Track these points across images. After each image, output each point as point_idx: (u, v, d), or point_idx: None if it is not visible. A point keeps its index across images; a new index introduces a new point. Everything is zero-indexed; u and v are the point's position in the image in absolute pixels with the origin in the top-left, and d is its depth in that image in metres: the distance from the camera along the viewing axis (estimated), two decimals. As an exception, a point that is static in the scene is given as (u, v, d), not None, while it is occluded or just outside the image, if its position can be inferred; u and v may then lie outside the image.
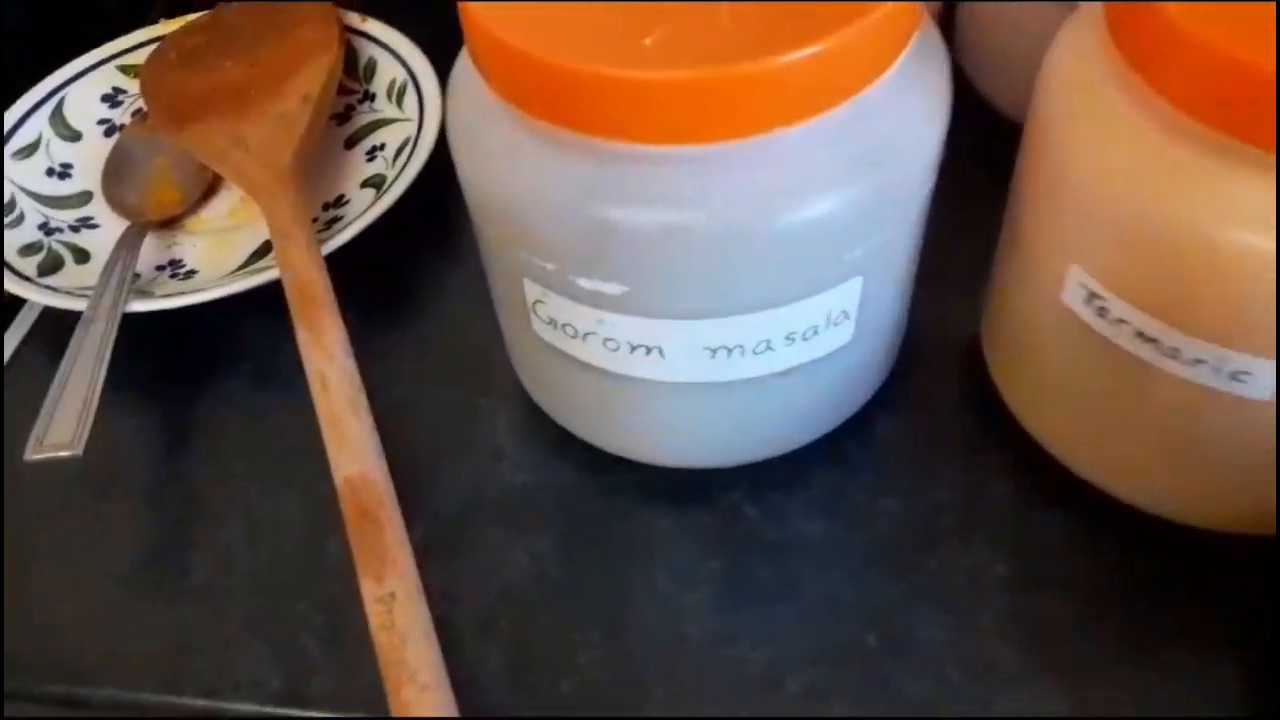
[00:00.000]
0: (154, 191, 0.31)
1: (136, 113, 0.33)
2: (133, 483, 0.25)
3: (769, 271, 0.19)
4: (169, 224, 0.30)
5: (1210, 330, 0.18)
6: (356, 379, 0.23)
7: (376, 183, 0.30)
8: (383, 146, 0.31)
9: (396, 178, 0.29)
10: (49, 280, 0.28)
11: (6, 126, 0.31)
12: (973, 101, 0.31)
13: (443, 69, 0.27)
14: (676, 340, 0.20)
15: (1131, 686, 0.21)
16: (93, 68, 0.34)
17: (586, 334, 0.20)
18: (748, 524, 0.23)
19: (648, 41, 0.17)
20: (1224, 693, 0.20)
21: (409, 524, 0.24)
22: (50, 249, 0.29)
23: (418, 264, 0.29)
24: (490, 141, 0.19)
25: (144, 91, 0.32)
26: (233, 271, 0.28)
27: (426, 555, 0.23)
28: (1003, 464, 0.24)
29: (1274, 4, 0.16)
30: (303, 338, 0.23)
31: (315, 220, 0.29)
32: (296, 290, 0.25)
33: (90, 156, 0.32)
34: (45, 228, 0.30)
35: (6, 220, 0.29)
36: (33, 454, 0.22)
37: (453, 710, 0.18)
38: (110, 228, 0.30)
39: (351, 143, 0.32)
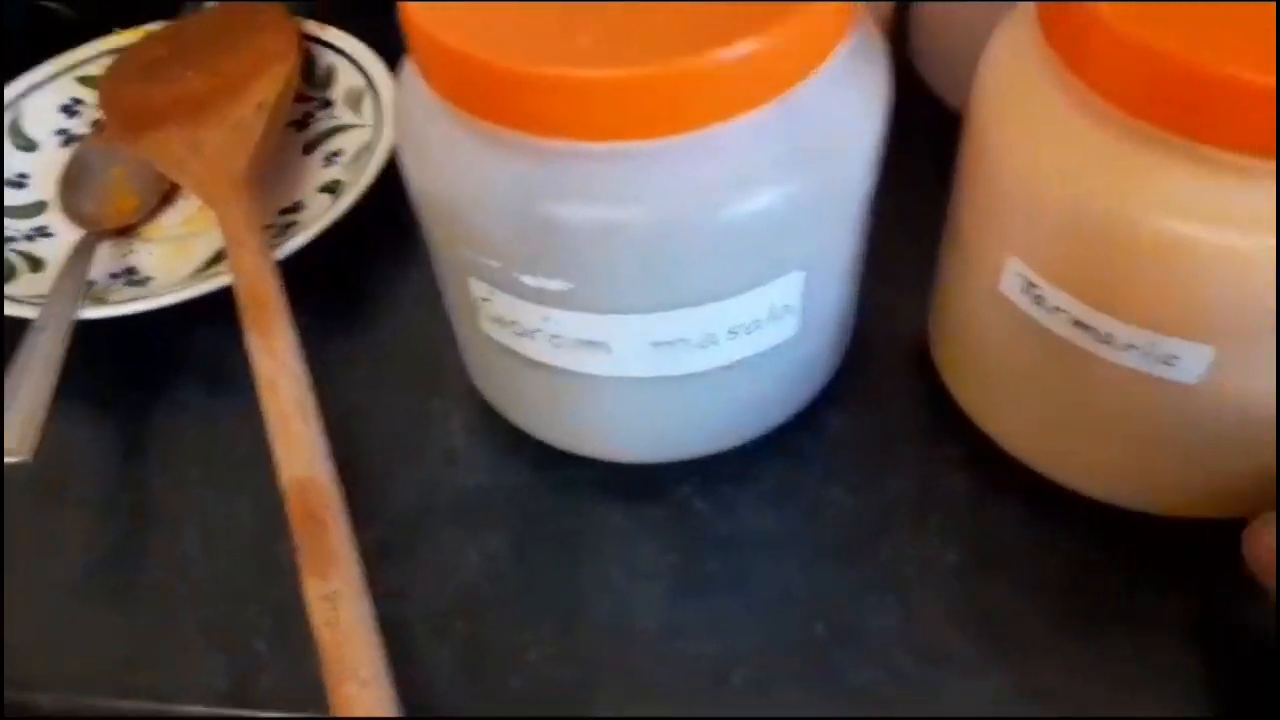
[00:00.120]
0: (111, 200, 0.31)
1: (95, 123, 0.33)
2: (86, 489, 0.25)
3: (710, 266, 0.19)
4: (125, 232, 0.30)
5: (1141, 316, 0.18)
6: (305, 382, 0.23)
7: (333, 188, 0.30)
8: (340, 153, 0.31)
9: (352, 183, 0.29)
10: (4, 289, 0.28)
11: (-38, 137, 0.31)
12: (925, 99, 0.31)
13: (399, 74, 0.27)
14: (622, 335, 0.20)
15: (1080, 670, 0.21)
16: (51, 79, 0.34)
17: (533, 331, 0.20)
18: (699, 518, 0.24)
19: (584, 40, 0.17)
20: (1173, 675, 0.21)
21: (363, 526, 0.24)
22: (4, 258, 0.29)
23: (373, 268, 0.29)
24: (433, 141, 0.19)
25: (102, 102, 0.32)
26: (186, 278, 0.28)
27: (380, 556, 0.23)
28: (953, 456, 0.24)
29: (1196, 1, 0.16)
30: (252, 342, 0.23)
31: (271, 226, 0.29)
32: (248, 295, 0.25)
33: (47, 166, 0.32)
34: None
35: (-40, 230, 0.29)
36: (-18, 460, 0.22)
37: (393, 707, 0.18)
38: (66, 236, 0.30)
39: (309, 149, 0.32)
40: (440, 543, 0.24)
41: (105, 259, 0.29)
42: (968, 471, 0.24)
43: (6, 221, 0.30)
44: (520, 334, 0.21)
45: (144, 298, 0.26)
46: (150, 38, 0.34)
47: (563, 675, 0.21)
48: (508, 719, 0.21)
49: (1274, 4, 0.16)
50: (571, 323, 0.20)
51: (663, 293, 0.19)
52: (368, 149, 0.30)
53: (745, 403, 0.23)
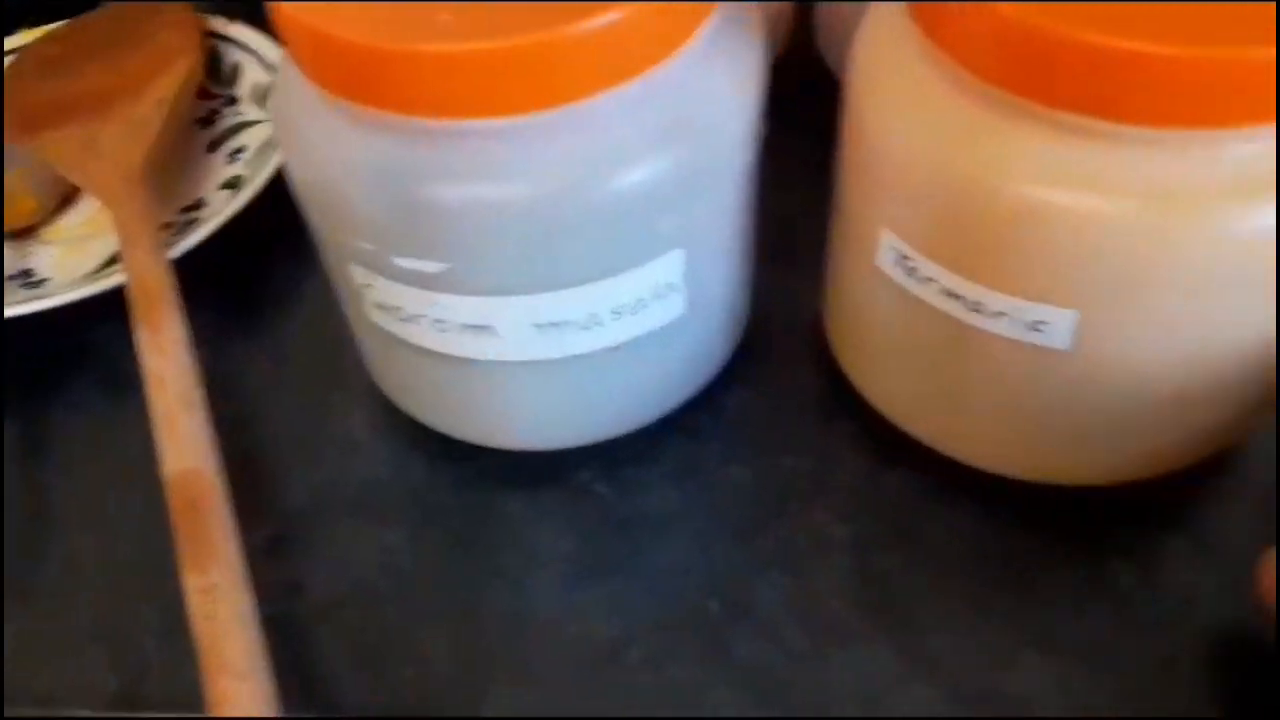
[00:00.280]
0: (9, 202, 0.30)
1: (-7, 125, 0.32)
2: (-22, 492, 0.25)
3: (586, 244, 0.19)
4: (24, 234, 0.30)
5: (1006, 283, 0.18)
6: (193, 377, 0.23)
7: (235, 184, 0.29)
8: (244, 149, 0.31)
9: (253, 179, 0.29)
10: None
11: None
12: (829, 85, 0.31)
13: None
14: (504, 318, 0.20)
15: (968, 640, 0.21)
16: (-52, 81, 0.33)
17: (416, 316, 0.20)
18: (599, 501, 0.24)
19: (445, 16, 0.17)
20: (1059, 645, 0.21)
21: (260, 521, 0.24)
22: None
23: (276, 265, 0.29)
24: (305, 126, 0.19)
25: (-1, 102, 0.31)
26: (82, 278, 0.28)
27: (276, 551, 0.23)
28: (847, 432, 0.24)
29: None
30: (141, 337, 0.23)
31: (172, 224, 0.29)
32: (139, 291, 0.24)
33: (-58, 170, 0.31)
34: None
35: None
36: None
37: (271, 701, 0.18)
38: (-39, 239, 0.29)
39: (214, 146, 0.32)
40: (337, 537, 0.23)
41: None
42: (861, 448, 0.24)
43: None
44: (404, 320, 0.21)
45: (36, 299, 0.26)
46: (49, 36, 0.33)
47: (455, 665, 0.21)
48: (385, 718, 0.21)
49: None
50: (453, 306, 0.20)
51: (542, 273, 0.19)
52: (270, 145, 0.30)
53: (641, 385, 0.23)
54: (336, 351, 0.26)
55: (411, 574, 0.23)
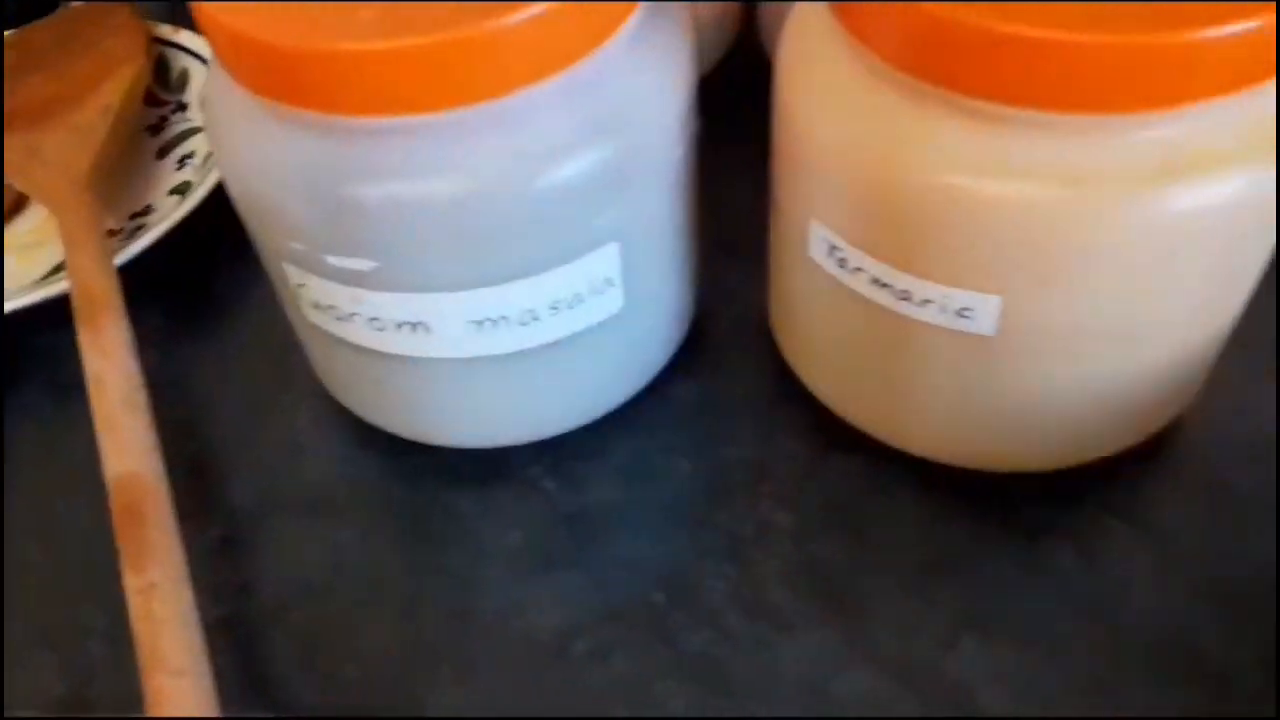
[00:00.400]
0: (-44, 211, 0.30)
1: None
2: (-76, 502, 0.25)
3: (515, 240, 0.19)
4: (-29, 242, 0.30)
5: (931, 270, 0.19)
6: (136, 379, 0.23)
7: (182, 190, 0.29)
8: (192, 155, 0.31)
9: (200, 184, 0.29)
10: None
11: None
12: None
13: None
14: (439, 315, 0.20)
15: (910, 622, 0.21)
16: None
17: (351, 315, 0.20)
18: (546, 496, 0.24)
19: (366, 14, 0.17)
20: (1001, 625, 0.21)
21: (208, 522, 0.24)
22: None
23: (225, 268, 0.29)
24: (233, 125, 0.19)
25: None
26: (28, 285, 0.28)
27: (223, 551, 0.23)
28: (792, 421, 0.24)
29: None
30: (84, 340, 0.23)
31: (120, 231, 0.29)
32: (82, 295, 0.24)
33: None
34: None
35: None
36: None
37: (209, 699, 0.18)
38: (-92, 249, 0.29)
39: (163, 153, 0.32)
40: (285, 536, 0.24)
41: (-53, 270, 0.29)
42: (805, 437, 0.24)
43: None
44: (340, 319, 0.21)
45: (-19, 306, 0.26)
46: (-5, 45, 0.33)
47: (400, 662, 0.21)
48: (332, 718, 0.21)
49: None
50: (386, 303, 0.20)
51: (474, 269, 0.19)
52: (219, 149, 0.30)
53: (584, 381, 0.23)
54: (284, 352, 0.26)
55: (359, 572, 0.23)
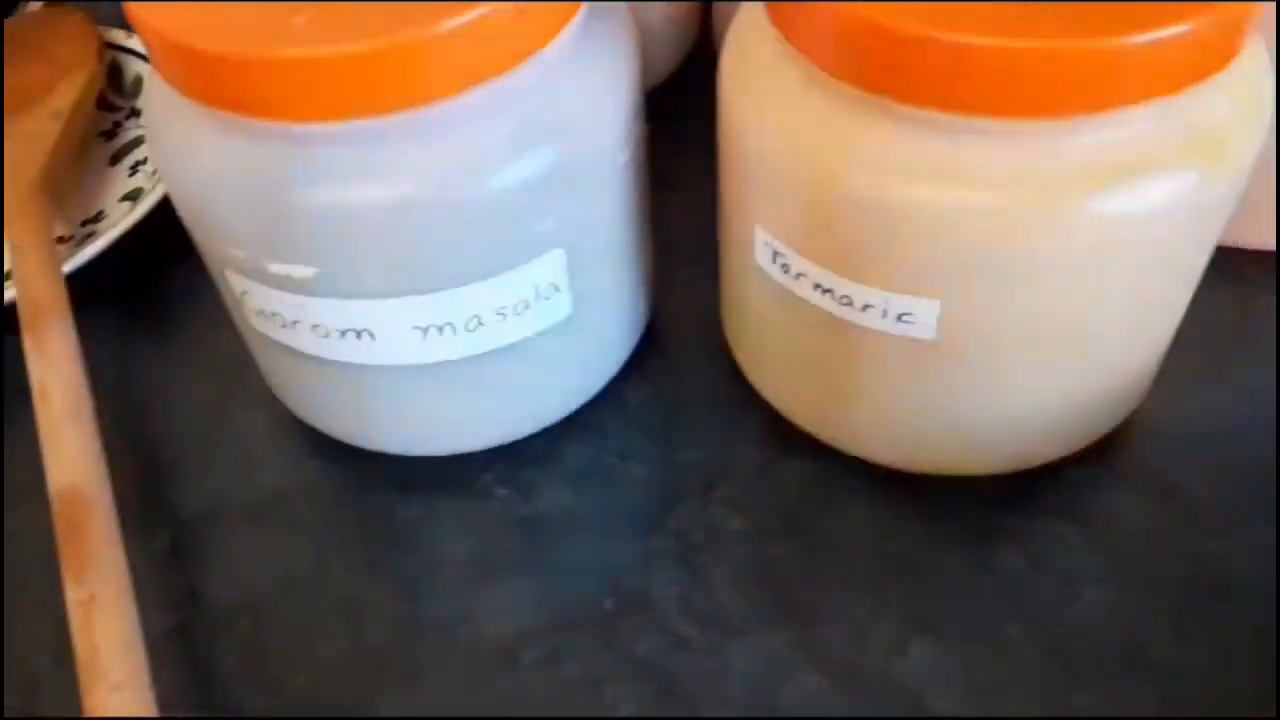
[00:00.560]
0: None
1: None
2: None
3: (458, 246, 0.19)
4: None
5: (872, 276, 0.19)
6: (81, 389, 0.22)
7: (134, 196, 0.29)
8: (145, 161, 0.31)
9: (151, 191, 0.28)
10: None
11: None
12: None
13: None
14: (382, 322, 0.20)
15: (860, 626, 0.21)
16: None
17: (294, 322, 0.20)
18: (497, 503, 0.24)
19: (300, 20, 0.17)
20: (951, 628, 0.21)
21: (158, 530, 0.24)
22: None
23: (176, 274, 0.29)
24: (171, 130, 0.19)
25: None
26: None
27: (174, 559, 0.23)
28: (745, 425, 0.24)
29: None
30: (29, 348, 0.23)
31: (71, 238, 0.29)
32: (28, 302, 0.24)
33: None
34: None
35: None
36: None
37: (150, 711, 0.18)
38: None
39: (116, 159, 0.31)
40: (233, 544, 0.23)
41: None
42: (758, 441, 0.24)
43: None
44: (284, 326, 0.20)
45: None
46: (-55, 51, 0.33)
47: (348, 671, 0.21)
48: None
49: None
50: (328, 310, 0.20)
51: (415, 275, 0.19)
52: (173, 155, 0.30)
53: (535, 387, 0.23)
54: (236, 359, 0.26)
55: (308, 580, 0.23)
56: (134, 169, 0.31)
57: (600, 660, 0.21)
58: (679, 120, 0.26)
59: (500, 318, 0.21)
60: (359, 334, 0.20)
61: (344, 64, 0.17)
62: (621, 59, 0.20)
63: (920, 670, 0.21)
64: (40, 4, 0.36)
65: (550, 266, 0.20)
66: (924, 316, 0.19)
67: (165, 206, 0.28)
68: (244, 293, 0.20)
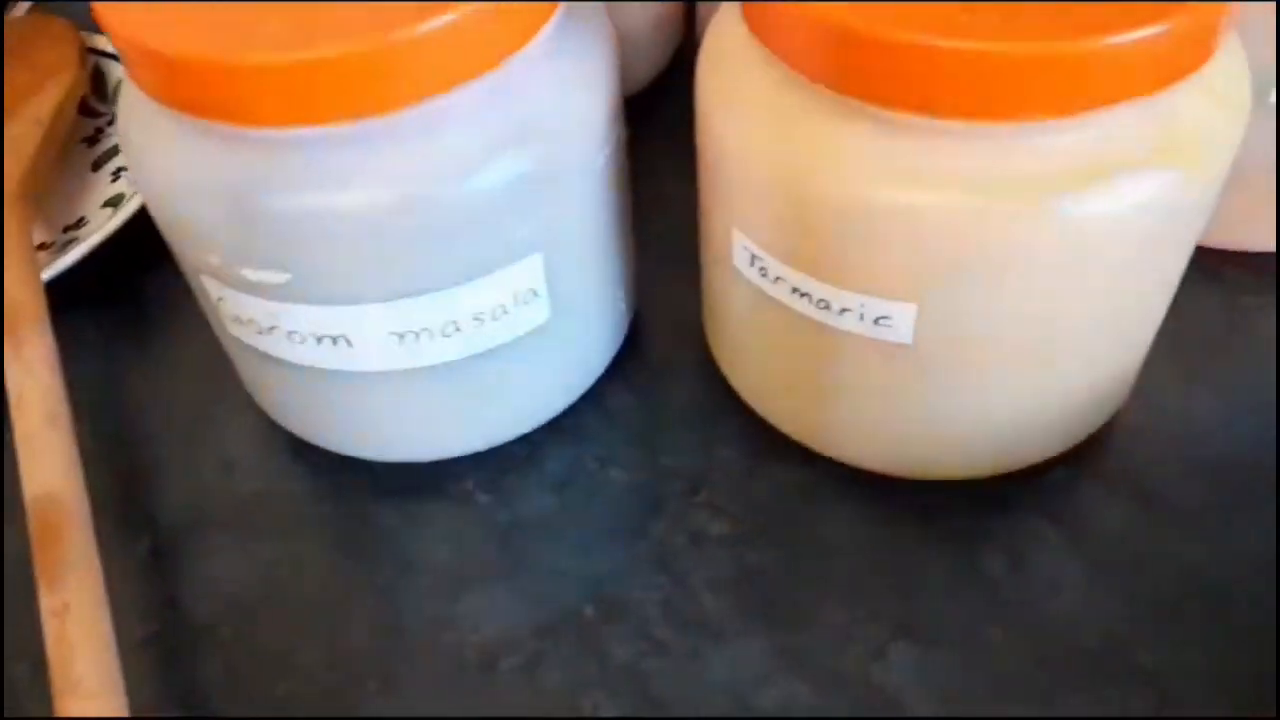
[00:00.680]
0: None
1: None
2: None
3: (434, 251, 0.19)
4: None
5: (849, 279, 0.19)
6: (58, 395, 0.22)
7: (116, 202, 0.29)
8: (127, 167, 0.31)
9: (132, 196, 0.28)
10: None
11: None
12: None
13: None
14: (358, 327, 0.20)
15: (840, 631, 0.21)
16: None
17: (270, 328, 0.20)
18: (478, 509, 0.24)
19: (272, 26, 0.17)
20: (931, 632, 0.21)
21: (137, 537, 0.23)
22: None
23: (158, 280, 0.29)
24: (144, 135, 0.19)
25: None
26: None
27: (154, 567, 0.23)
28: (727, 429, 0.24)
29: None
30: (7, 354, 0.23)
31: (52, 244, 0.29)
32: (6, 309, 0.24)
33: None
34: None
35: None
36: None
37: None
38: None
39: (98, 165, 0.31)
40: (212, 551, 0.23)
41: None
42: (740, 446, 0.24)
43: None
44: (260, 332, 0.20)
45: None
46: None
47: (328, 678, 0.21)
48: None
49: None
50: (303, 316, 0.20)
51: (390, 281, 0.19)
52: (155, 161, 0.29)
53: (515, 392, 0.23)
54: (217, 365, 0.26)
55: (288, 588, 0.23)
56: (116, 175, 0.30)
57: (580, 667, 0.21)
58: (664, 123, 0.26)
59: (478, 323, 0.20)
60: (335, 340, 0.20)
61: (315, 69, 0.17)
62: (599, 61, 0.20)
63: (900, 674, 0.21)
64: (27, 5, 0.36)
65: (528, 271, 0.20)
66: (901, 320, 0.19)
67: (147, 212, 0.28)
68: (220, 299, 0.20)
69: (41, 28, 0.32)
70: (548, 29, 0.19)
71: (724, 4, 0.20)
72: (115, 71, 0.33)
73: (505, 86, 0.18)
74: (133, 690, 0.19)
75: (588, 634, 0.21)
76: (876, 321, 0.19)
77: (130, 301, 0.29)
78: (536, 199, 0.19)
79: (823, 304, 0.19)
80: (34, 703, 0.21)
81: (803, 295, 0.19)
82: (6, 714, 0.21)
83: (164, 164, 0.19)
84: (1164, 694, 0.20)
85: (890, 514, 0.23)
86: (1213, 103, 0.17)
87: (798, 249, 0.19)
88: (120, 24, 0.17)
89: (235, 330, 0.21)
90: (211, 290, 0.20)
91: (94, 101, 0.32)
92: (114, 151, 0.31)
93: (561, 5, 0.19)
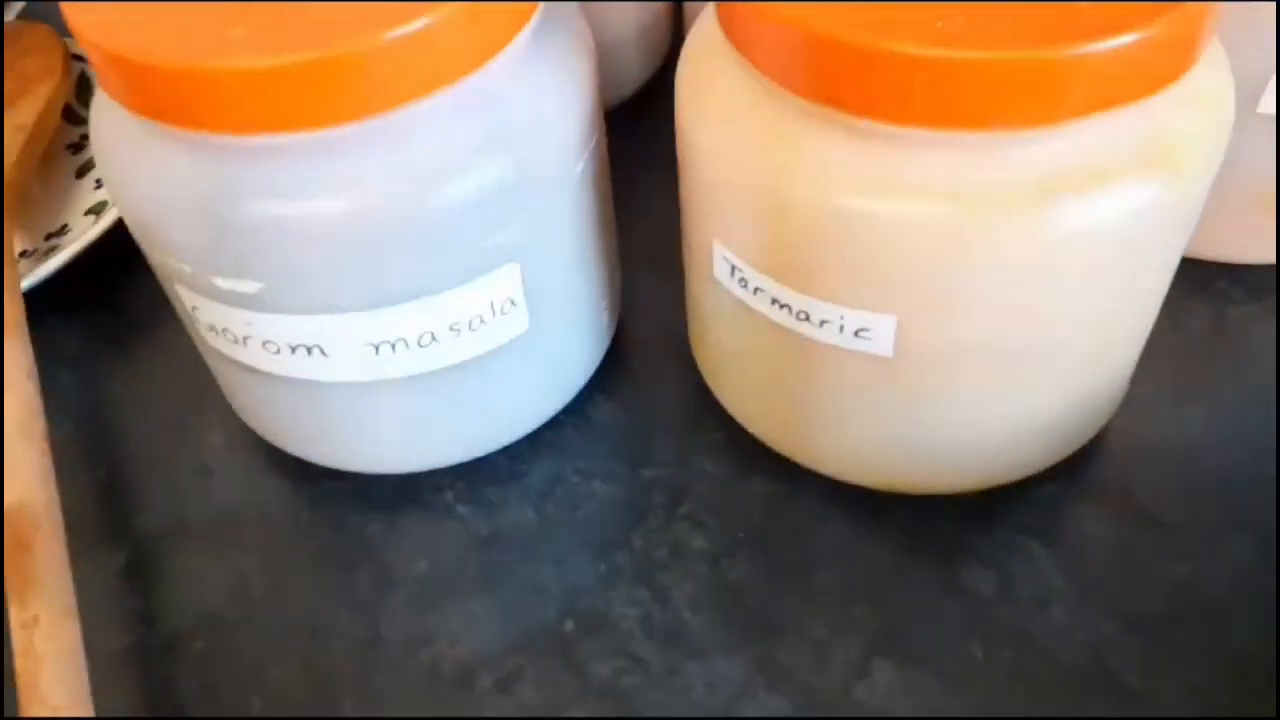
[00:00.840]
0: None
1: None
2: None
3: (407, 260, 0.19)
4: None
5: (829, 291, 0.18)
6: (33, 405, 0.22)
7: (99, 210, 0.29)
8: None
9: (115, 205, 0.28)
10: None
11: None
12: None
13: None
14: (333, 337, 0.20)
15: (822, 647, 0.21)
16: None
17: (244, 338, 0.20)
18: (458, 522, 0.23)
19: (239, 32, 0.17)
20: (914, 650, 0.21)
21: (114, 547, 0.23)
22: None
23: (138, 288, 0.28)
24: (116, 143, 0.19)
25: None
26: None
27: (129, 578, 0.23)
28: (710, 441, 0.24)
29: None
30: (-20, 365, 0.23)
31: (35, 251, 0.28)
32: (-19, 318, 0.24)
33: None
34: None
35: None
36: None
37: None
38: None
39: (82, 172, 0.31)
40: (189, 562, 0.23)
41: None
42: (723, 458, 0.24)
43: None
44: (235, 342, 0.20)
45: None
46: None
47: (304, 693, 0.21)
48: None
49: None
50: (277, 326, 0.19)
51: (364, 290, 0.19)
52: (138, 169, 0.29)
53: (495, 403, 0.23)
54: (197, 375, 0.26)
55: (264, 601, 0.22)
56: (99, 182, 0.30)
57: (559, 683, 0.21)
58: (650, 131, 0.26)
59: (454, 334, 0.20)
60: (309, 350, 0.20)
61: (285, 75, 0.16)
62: (577, 66, 0.20)
63: (882, 691, 0.20)
64: (20, 6, 0.36)
65: (505, 281, 0.20)
66: (880, 332, 0.18)
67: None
68: (195, 308, 0.20)
69: (25, 34, 0.32)
70: (524, 34, 0.19)
71: (704, 10, 0.20)
72: (101, 79, 0.33)
73: (481, 92, 0.18)
74: (107, 702, 0.19)
75: (567, 650, 0.21)
76: (856, 334, 0.18)
77: (112, 310, 0.28)
78: (513, 207, 0.19)
79: (802, 316, 0.19)
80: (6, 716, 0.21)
81: (782, 307, 0.19)
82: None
83: (134, 170, 0.19)
84: (1150, 711, 0.20)
85: (874, 528, 0.22)
86: (1195, 111, 0.17)
87: (777, 260, 0.18)
88: (88, 28, 0.17)
89: (211, 340, 0.21)
90: (186, 299, 0.20)
91: (78, 108, 0.32)
92: (98, 159, 0.31)
93: (538, 9, 0.19)
